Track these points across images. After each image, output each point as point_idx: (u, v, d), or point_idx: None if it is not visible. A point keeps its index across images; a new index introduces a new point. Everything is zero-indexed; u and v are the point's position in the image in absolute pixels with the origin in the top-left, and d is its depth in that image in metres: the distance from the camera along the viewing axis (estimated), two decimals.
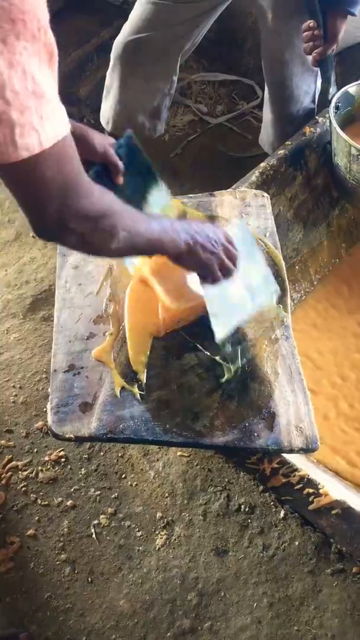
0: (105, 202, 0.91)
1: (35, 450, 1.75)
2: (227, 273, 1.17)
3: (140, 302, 1.33)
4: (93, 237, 0.92)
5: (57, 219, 0.85)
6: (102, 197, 0.90)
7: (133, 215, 0.99)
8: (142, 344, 1.28)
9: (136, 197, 1.23)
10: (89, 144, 1.11)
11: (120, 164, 1.15)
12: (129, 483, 1.68)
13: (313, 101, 2.06)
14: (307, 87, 2.00)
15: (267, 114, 2.15)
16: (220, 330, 1.21)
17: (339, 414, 1.62)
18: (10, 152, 0.73)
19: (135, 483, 1.68)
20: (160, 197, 1.28)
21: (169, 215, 1.29)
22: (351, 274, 1.93)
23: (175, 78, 2.05)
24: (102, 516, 1.63)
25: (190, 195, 1.57)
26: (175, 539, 1.59)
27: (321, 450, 1.24)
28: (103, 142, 1.13)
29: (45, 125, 0.74)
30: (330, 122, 1.76)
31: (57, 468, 1.71)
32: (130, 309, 1.32)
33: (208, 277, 1.16)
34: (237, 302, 1.24)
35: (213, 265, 1.13)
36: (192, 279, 1.24)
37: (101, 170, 1.13)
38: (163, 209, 1.29)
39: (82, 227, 0.89)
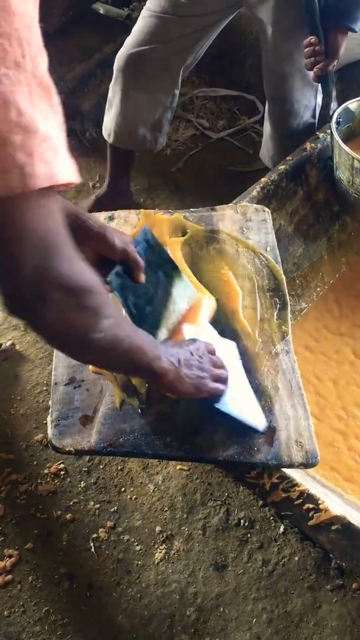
0: (91, 277, 0.80)
1: (35, 462, 1.75)
2: (222, 381, 1.11)
3: None
4: (74, 316, 0.79)
5: (35, 284, 0.73)
6: (87, 271, 0.79)
7: (117, 310, 0.90)
8: None
9: (161, 294, 1.22)
10: (109, 242, 1.07)
11: (141, 261, 1.13)
12: (129, 496, 1.68)
13: (313, 116, 2.07)
14: (307, 101, 2.01)
15: (267, 129, 2.17)
16: (262, 422, 1.19)
17: (350, 447, 1.58)
18: None
19: (134, 497, 1.68)
20: (184, 291, 1.26)
21: (197, 308, 1.28)
22: (343, 294, 1.91)
23: (177, 92, 2.06)
24: (101, 530, 1.62)
25: (192, 209, 1.58)
26: (174, 554, 1.58)
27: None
28: (123, 240, 1.10)
29: (36, 165, 0.65)
30: (332, 136, 1.77)
31: (56, 481, 1.71)
32: None
33: (210, 394, 1.09)
34: (240, 388, 1.21)
35: (206, 380, 1.07)
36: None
37: (122, 269, 1.11)
38: (188, 301, 1.27)
39: (63, 299, 0.76)
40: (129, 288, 1.14)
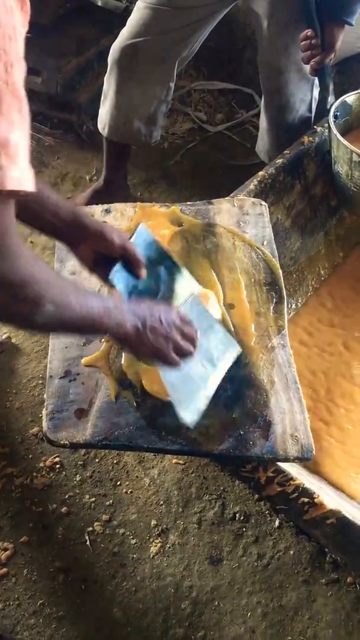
0: (31, 270, 0.83)
1: (30, 456, 1.75)
2: (184, 355, 1.11)
3: None
4: (13, 308, 0.84)
5: None
6: (28, 264, 0.83)
7: (66, 288, 0.92)
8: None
9: (164, 289, 1.21)
10: (107, 240, 1.09)
11: (141, 256, 1.13)
12: (124, 490, 1.68)
13: (309, 110, 2.07)
14: (303, 95, 2.01)
15: (263, 122, 2.17)
16: (188, 416, 1.14)
17: (330, 434, 1.59)
18: None
19: (130, 490, 1.68)
20: (187, 286, 1.25)
21: (201, 305, 1.25)
22: (337, 286, 1.92)
23: (172, 85, 2.05)
24: (96, 523, 1.62)
25: (189, 202, 1.57)
26: (169, 547, 1.59)
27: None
28: (121, 237, 1.11)
29: None
30: (330, 130, 1.77)
31: (51, 474, 1.71)
32: None
33: (163, 362, 1.10)
34: (199, 380, 1.18)
35: (166, 349, 1.07)
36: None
37: (123, 266, 1.12)
38: (194, 299, 1.25)
39: (1, 294, 0.81)
40: (132, 284, 1.14)
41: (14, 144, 0.68)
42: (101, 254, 1.11)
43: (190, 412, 1.14)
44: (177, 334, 1.09)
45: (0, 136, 0.67)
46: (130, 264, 1.13)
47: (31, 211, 0.90)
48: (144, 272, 1.14)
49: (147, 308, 1.06)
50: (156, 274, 1.19)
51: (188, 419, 1.13)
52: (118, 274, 1.11)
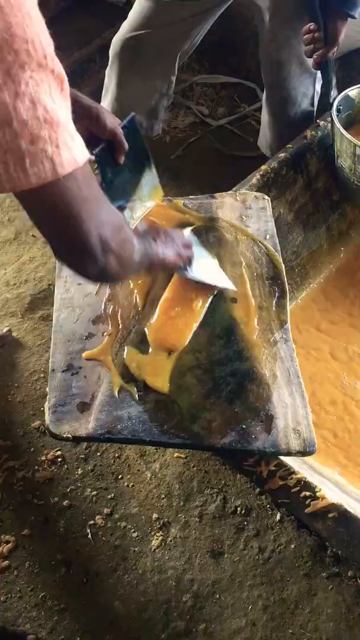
0: (120, 214, 0.94)
1: (32, 449, 1.75)
2: (190, 249, 1.31)
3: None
4: (124, 251, 0.95)
5: (100, 239, 0.87)
6: (116, 210, 0.93)
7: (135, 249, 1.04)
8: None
9: (134, 177, 1.37)
10: (101, 122, 1.18)
11: (126, 144, 1.24)
12: (126, 484, 1.68)
13: (311, 104, 2.06)
14: (305, 89, 2.00)
15: (265, 117, 2.16)
16: (230, 284, 1.37)
17: (324, 437, 1.59)
18: (21, 180, 0.74)
19: (131, 484, 1.68)
20: (151, 179, 1.42)
21: (157, 196, 1.47)
22: (331, 285, 1.90)
23: (173, 78, 2.04)
24: (98, 517, 1.63)
25: (191, 196, 1.57)
26: (170, 541, 1.59)
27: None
28: (112, 122, 1.21)
29: (63, 153, 0.74)
30: (332, 124, 1.76)
31: (53, 468, 1.71)
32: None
33: (186, 259, 1.29)
34: (212, 265, 1.41)
35: (180, 250, 1.26)
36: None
37: (107, 148, 1.23)
38: (151, 190, 1.45)
39: (116, 240, 0.91)
40: (109, 165, 1.27)
41: (68, 123, 0.75)
42: (93, 134, 1.20)
43: (228, 282, 1.37)
44: (181, 244, 1.27)
45: (60, 121, 0.73)
46: (114, 148, 1.24)
47: None
48: (122, 159, 1.26)
49: (162, 234, 1.23)
50: (131, 162, 1.32)
51: (231, 286, 1.37)
52: (101, 152, 1.22)
